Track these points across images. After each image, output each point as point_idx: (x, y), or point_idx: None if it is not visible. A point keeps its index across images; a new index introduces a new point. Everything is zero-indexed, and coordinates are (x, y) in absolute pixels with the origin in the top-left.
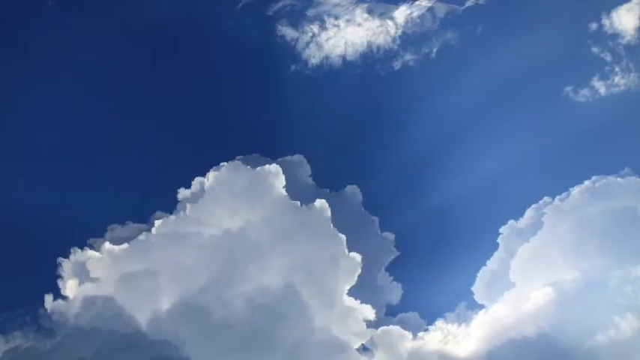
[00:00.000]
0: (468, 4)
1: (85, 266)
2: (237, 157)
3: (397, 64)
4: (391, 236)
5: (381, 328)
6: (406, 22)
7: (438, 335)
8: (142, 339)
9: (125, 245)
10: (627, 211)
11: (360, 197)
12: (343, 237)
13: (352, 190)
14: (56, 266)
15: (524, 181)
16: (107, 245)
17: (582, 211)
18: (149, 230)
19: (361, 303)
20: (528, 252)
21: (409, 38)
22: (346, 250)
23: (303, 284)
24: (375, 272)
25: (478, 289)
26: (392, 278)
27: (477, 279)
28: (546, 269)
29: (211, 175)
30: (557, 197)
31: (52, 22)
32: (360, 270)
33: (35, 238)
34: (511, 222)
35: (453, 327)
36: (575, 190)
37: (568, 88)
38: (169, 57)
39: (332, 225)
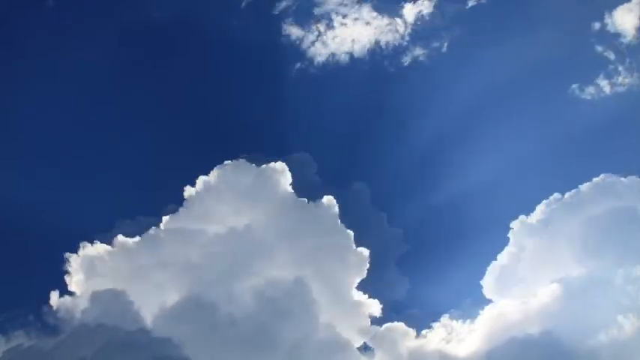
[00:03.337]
0: (471, 3)
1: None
2: (242, 156)
3: (406, 60)
4: (399, 231)
5: (385, 326)
6: (415, 20)
7: (441, 332)
8: (143, 338)
9: (137, 237)
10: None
11: (368, 193)
12: (351, 233)
13: (359, 187)
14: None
15: (529, 179)
16: (118, 238)
17: (589, 209)
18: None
19: (369, 298)
20: (537, 248)
21: (413, 35)
22: (354, 246)
23: (311, 280)
24: (383, 267)
25: (487, 284)
26: (400, 273)
27: (487, 274)
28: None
29: (215, 173)
30: (567, 194)
31: (52, 22)
32: (368, 265)
33: (38, 237)
34: (522, 217)
35: (457, 324)
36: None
37: (574, 86)
38: (172, 56)
39: (339, 221)
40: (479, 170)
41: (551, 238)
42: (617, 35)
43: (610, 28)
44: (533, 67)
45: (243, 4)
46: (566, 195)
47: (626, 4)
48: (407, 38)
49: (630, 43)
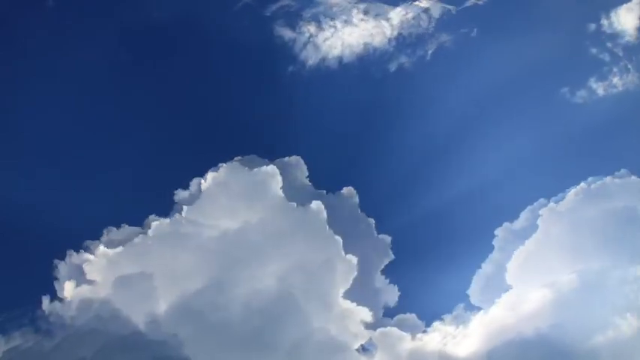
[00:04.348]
0: (465, 4)
1: (82, 268)
2: (235, 158)
3: (393, 66)
4: (387, 238)
5: (379, 330)
6: (402, 24)
7: (436, 336)
8: (140, 339)
9: (121, 247)
10: (624, 211)
11: (357, 199)
12: (339, 239)
13: (349, 192)
14: (53, 268)
15: (520, 183)
16: (103, 247)
17: (578, 212)
18: (145, 232)
19: (357, 305)
20: (524, 254)
21: (405, 39)
22: (342, 253)
23: (298, 286)
24: (371, 274)
25: (474, 292)
26: (388, 281)
27: (473, 281)
28: (543, 271)
29: (209, 176)
30: (553, 198)
31: (52, 22)
32: (355, 272)
33: (32, 239)
34: (506, 224)
35: (451, 328)
36: (571, 192)
37: (565, 89)
38: (168, 57)
39: (327, 227)
40: (472, 174)
41: (538, 244)
42: (622, 34)
43: (616, 26)
44: (529, 70)
45: (241, 4)
46: (552, 200)
47: (626, 4)
48: (393, 43)
49: (634, 43)
